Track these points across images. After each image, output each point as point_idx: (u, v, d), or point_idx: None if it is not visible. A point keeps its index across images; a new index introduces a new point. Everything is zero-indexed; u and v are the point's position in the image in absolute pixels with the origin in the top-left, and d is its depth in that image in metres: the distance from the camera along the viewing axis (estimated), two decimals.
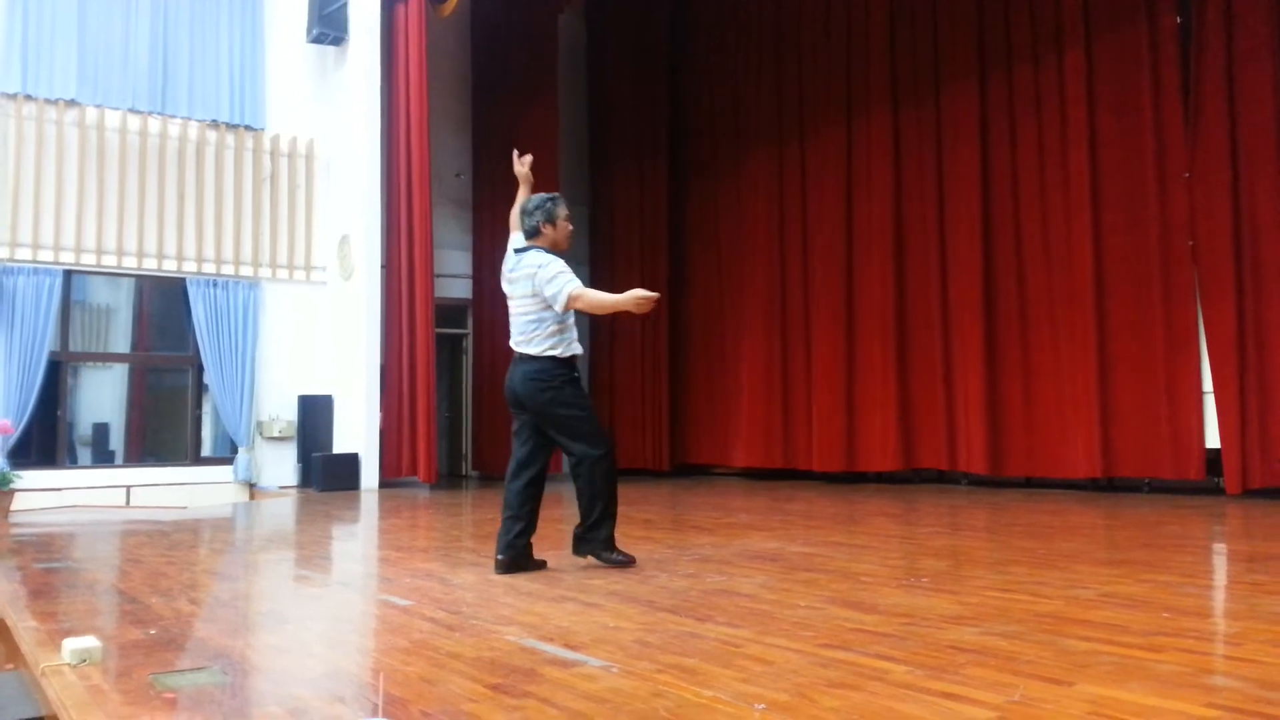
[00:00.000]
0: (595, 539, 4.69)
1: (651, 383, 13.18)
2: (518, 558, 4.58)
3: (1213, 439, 8.06)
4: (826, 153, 11.30)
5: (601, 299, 4.64)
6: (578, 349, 4.68)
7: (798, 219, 11.61)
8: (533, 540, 4.66)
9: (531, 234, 4.67)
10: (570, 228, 4.77)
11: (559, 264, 4.58)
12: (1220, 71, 8.07)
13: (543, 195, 4.74)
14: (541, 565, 4.67)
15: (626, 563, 4.68)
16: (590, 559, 4.73)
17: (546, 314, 4.55)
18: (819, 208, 11.36)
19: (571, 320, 4.67)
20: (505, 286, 4.73)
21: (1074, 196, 8.98)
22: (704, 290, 12.96)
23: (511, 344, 4.69)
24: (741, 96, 12.52)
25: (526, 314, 4.59)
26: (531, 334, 4.58)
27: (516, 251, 4.69)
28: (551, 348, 4.57)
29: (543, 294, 4.52)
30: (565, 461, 4.80)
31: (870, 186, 10.74)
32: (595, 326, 13.28)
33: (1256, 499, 7.69)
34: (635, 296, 4.44)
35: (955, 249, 9.94)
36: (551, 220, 4.67)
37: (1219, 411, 7.99)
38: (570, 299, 4.51)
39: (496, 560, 4.60)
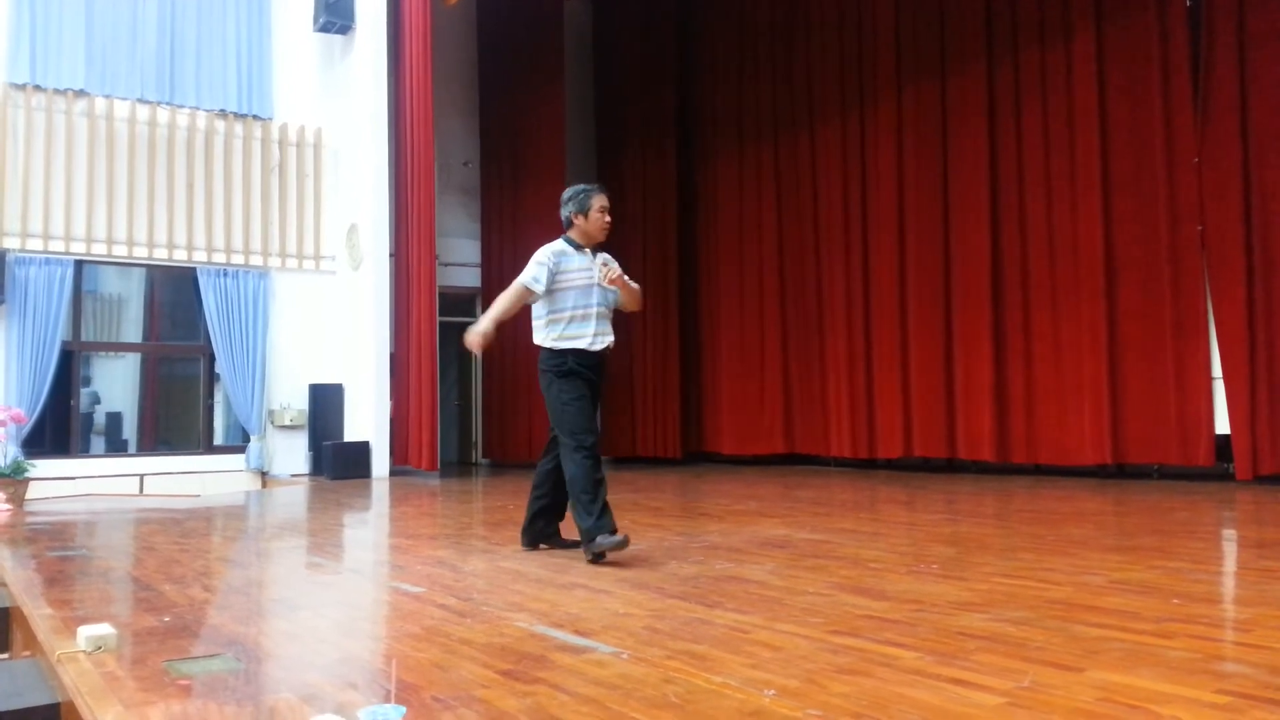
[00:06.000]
0: (574, 530, 4.50)
1: (661, 370, 13.16)
2: (536, 537, 4.83)
3: (1222, 425, 8.04)
4: (833, 138, 11.25)
5: (496, 304, 4.64)
6: (571, 343, 4.56)
7: (807, 204, 11.58)
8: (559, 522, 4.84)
9: (565, 226, 4.71)
10: (605, 219, 4.66)
11: (540, 255, 4.59)
12: (1231, 54, 8.00)
13: (578, 186, 4.76)
14: (570, 545, 4.70)
15: (614, 546, 4.34)
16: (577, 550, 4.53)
17: (537, 304, 4.67)
18: (827, 193, 11.33)
19: (569, 314, 4.58)
20: None
21: (1082, 181, 8.93)
22: (714, 277, 12.92)
23: None
24: (749, 81, 12.47)
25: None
26: (534, 322, 4.74)
27: None
28: (542, 338, 4.68)
29: None
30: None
31: (879, 172, 10.70)
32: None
33: (1267, 485, 7.66)
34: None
35: (963, 235, 9.90)
36: (583, 211, 4.64)
37: (1229, 397, 7.96)
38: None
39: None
